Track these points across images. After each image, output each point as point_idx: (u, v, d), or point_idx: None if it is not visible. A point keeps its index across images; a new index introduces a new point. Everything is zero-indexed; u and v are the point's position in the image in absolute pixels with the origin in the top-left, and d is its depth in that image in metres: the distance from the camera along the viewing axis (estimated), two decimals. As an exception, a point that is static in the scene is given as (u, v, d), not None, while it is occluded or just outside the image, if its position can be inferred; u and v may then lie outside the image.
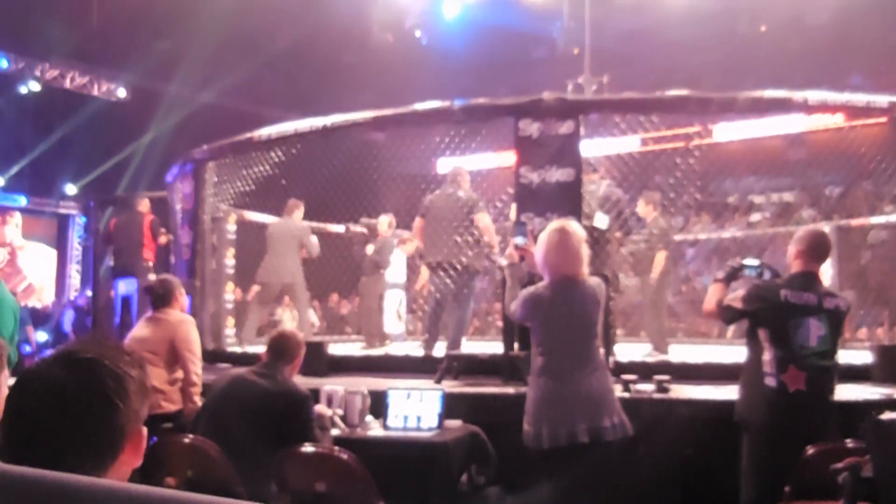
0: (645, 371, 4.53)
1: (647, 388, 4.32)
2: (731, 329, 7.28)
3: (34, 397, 1.18)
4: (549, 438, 3.14)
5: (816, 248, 3.46)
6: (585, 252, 3.37)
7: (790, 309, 3.28)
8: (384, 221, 7.67)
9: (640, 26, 12.50)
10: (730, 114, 6.46)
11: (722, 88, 5.77)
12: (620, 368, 4.64)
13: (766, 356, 3.30)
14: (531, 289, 3.38)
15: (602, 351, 4.61)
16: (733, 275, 3.63)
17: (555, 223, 3.47)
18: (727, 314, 3.53)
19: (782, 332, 3.27)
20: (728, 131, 11.91)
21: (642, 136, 7.41)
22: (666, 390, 4.29)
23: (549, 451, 3.15)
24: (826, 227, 7.11)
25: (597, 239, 5.11)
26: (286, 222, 7.36)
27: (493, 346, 6.04)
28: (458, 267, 5.85)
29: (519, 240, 3.75)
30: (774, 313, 3.30)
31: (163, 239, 8.03)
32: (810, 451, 3.03)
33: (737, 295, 3.45)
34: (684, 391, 4.36)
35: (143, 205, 8.19)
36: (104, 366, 1.20)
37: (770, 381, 3.27)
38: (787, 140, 11.93)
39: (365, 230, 8.04)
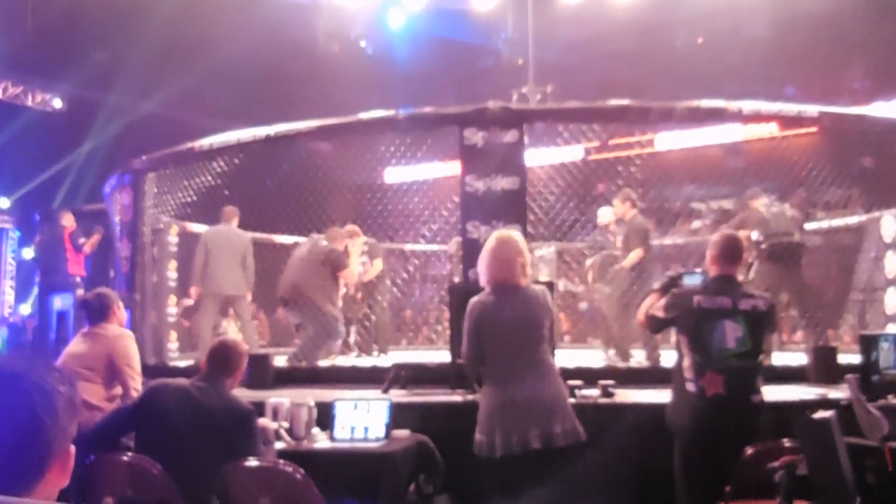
0: (590, 376, 4.59)
1: (592, 393, 4.37)
2: (674, 334, 7.39)
3: None
4: (501, 446, 3.15)
5: (729, 252, 3.55)
6: (525, 259, 3.41)
7: (703, 313, 3.36)
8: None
9: (583, 38, 12.71)
10: (669, 123, 6.61)
11: (662, 98, 5.91)
12: (566, 374, 4.68)
13: (686, 362, 3.38)
14: (474, 298, 3.41)
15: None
16: (671, 285, 3.69)
17: (496, 232, 3.53)
18: (652, 324, 3.63)
19: (698, 337, 3.35)
20: (669, 140, 12.18)
21: (585, 145, 7.53)
22: (611, 395, 4.35)
23: (502, 460, 3.16)
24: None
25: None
26: (228, 231, 7.16)
27: (441, 355, 6.05)
28: None
29: None
30: (689, 319, 3.38)
31: (87, 248, 7.81)
32: (749, 451, 3.11)
33: (659, 304, 3.53)
34: (629, 396, 4.43)
35: (66, 219, 7.97)
36: (30, 381, 1.16)
37: (691, 387, 3.35)
38: (724, 149, 12.26)
39: None
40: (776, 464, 2.61)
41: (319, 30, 12.61)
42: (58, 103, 13.60)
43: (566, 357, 5.37)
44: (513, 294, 3.33)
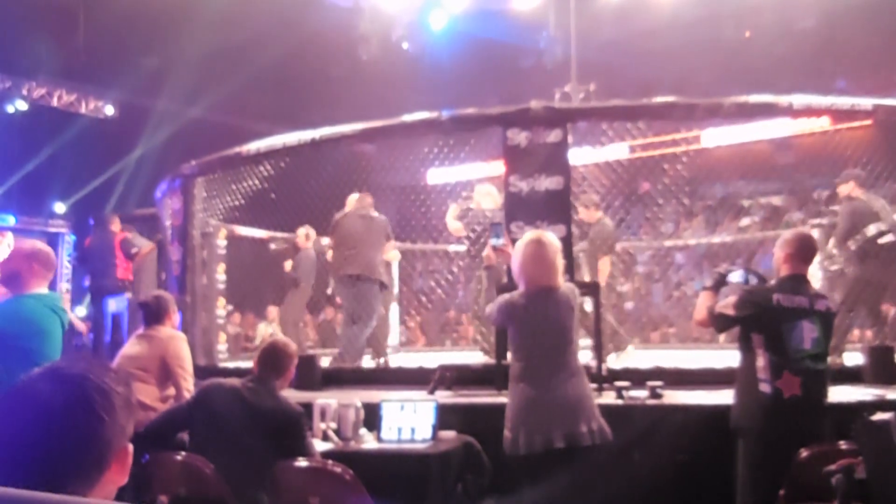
0: (638, 377, 4.54)
1: (640, 394, 4.32)
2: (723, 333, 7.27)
3: (20, 413, 1.17)
4: (525, 444, 3.19)
5: (804, 251, 3.48)
6: (560, 262, 3.43)
7: (783, 312, 3.29)
8: (301, 234, 7.67)
9: (626, 34, 12.56)
10: (716, 119, 6.49)
11: (708, 94, 5.81)
12: (613, 375, 4.64)
13: (760, 362, 3.30)
14: (506, 296, 3.43)
15: (594, 357, 4.64)
16: (721, 282, 3.64)
17: (530, 234, 3.53)
18: (720, 322, 3.52)
19: (776, 337, 3.28)
20: (716, 137, 11.97)
21: (630, 143, 7.43)
22: (659, 396, 4.29)
23: (526, 457, 3.20)
24: (815, 231, 7.14)
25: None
26: None
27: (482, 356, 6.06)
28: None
29: (495, 241, 3.80)
30: (768, 317, 3.31)
31: (138, 259, 7.98)
32: (804, 453, 3.04)
33: (728, 302, 3.46)
34: (678, 397, 4.36)
35: (115, 224, 8.15)
36: (90, 380, 1.20)
37: (765, 388, 3.27)
38: (774, 144, 12.00)
39: (285, 245, 8.03)
40: (833, 467, 2.54)
41: (361, 32, 12.70)
42: (110, 110, 13.93)
43: (610, 357, 5.31)
44: (547, 297, 3.34)
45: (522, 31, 12.73)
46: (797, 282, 3.40)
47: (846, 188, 6.09)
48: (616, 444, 3.37)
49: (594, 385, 4.23)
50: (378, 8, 12.32)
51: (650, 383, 4.34)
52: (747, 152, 11.42)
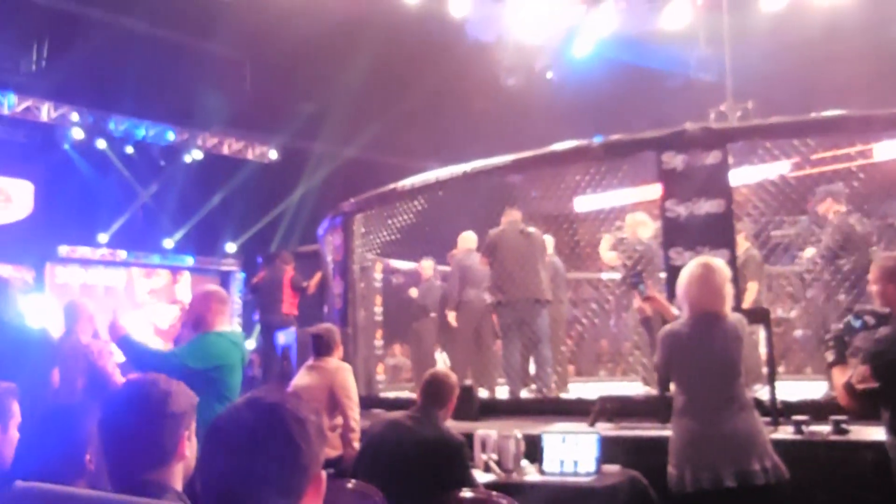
0: (818, 411, 4.21)
1: (821, 429, 4.01)
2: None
3: (226, 441, 1.25)
4: (692, 482, 3.02)
5: None
6: (729, 290, 3.26)
7: None
8: (426, 266, 7.80)
9: (782, 46, 11.92)
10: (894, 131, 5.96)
11: (873, 104, 5.38)
12: (790, 408, 4.34)
13: None
14: (668, 327, 3.29)
15: (767, 389, 4.36)
16: (842, 349, 3.12)
17: (699, 258, 3.40)
18: (869, 401, 3.01)
19: None
20: (892, 149, 11.01)
21: (795, 160, 7.00)
22: (845, 432, 3.96)
23: (694, 496, 3.02)
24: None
25: None
26: None
27: (639, 387, 5.88)
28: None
29: (641, 289, 3.70)
30: None
31: (311, 288, 8.36)
32: None
33: (862, 373, 2.95)
34: (866, 433, 4.00)
35: (285, 260, 8.61)
36: (287, 410, 1.26)
37: None
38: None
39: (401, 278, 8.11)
40: None
41: (505, 65, 12.87)
42: (273, 155, 14.92)
43: (785, 390, 4.96)
44: (712, 325, 3.19)
45: (670, 51, 12.42)
46: None
47: (824, 206, 5.47)
48: (796, 484, 3.13)
49: (768, 419, 3.99)
50: (521, 39, 12.45)
51: (833, 417, 4.01)
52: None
